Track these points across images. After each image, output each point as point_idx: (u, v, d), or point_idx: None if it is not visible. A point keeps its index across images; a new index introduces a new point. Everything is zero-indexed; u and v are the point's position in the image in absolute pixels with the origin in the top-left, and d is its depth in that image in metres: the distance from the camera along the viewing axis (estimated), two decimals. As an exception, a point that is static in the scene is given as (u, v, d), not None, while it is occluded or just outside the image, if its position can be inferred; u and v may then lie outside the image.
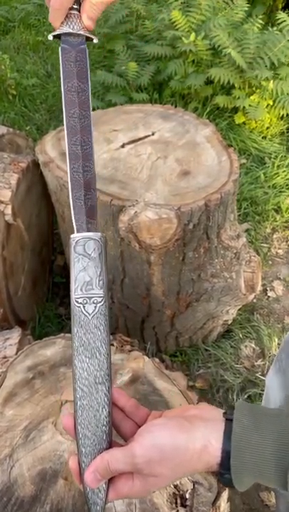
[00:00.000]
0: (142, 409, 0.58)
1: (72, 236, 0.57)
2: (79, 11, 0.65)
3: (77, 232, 0.58)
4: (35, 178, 1.40)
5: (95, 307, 0.55)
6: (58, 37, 0.67)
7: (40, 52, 3.12)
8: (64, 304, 1.74)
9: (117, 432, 0.57)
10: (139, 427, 0.55)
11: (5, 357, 1.03)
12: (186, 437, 0.49)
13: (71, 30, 0.65)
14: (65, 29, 0.65)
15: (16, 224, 1.30)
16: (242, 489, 0.50)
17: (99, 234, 0.58)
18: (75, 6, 0.64)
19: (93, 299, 0.55)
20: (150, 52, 2.41)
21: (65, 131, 0.63)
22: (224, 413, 0.51)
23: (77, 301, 0.55)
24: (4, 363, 0.99)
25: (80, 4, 0.64)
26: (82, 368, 0.54)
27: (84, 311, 0.55)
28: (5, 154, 1.38)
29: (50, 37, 0.67)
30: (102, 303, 0.55)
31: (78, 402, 0.54)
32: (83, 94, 0.65)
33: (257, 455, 0.47)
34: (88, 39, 0.67)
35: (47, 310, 1.67)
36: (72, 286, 0.56)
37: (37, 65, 2.96)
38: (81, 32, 0.65)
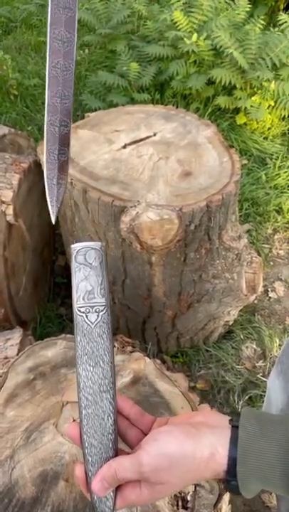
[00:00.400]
0: (146, 417, 0.58)
1: (72, 246, 0.58)
2: None
3: (47, 185, 0.62)
4: (36, 178, 1.40)
5: (98, 316, 0.56)
6: None
7: (42, 52, 3.12)
8: (65, 305, 1.74)
9: (123, 440, 0.57)
10: (145, 434, 0.55)
11: (6, 357, 1.03)
12: (193, 445, 0.49)
13: None
14: None
15: (17, 224, 1.29)
16: (249, 496, 0.50)
17: (100, 243, 0.58)
18: None
19: (95, 307, 0.56)
20: (152, 53, 2.41)
21: (47, 82, 0.63)
22: (230, 420, 0.51)
23: (79, 311, 0.56)
24: (5, 363, 0.99)
25: None
26: (87, 377, 0.54)
27: (87, 320, 0.56)
28: (6, 155, 1.38)
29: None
30: (105, 311, 0.56)
31: (83, 411, 0.54)
32: (69, 44, 0.64)
33: (263, 461, 0.47)
34: None
35: (48, 310, 1.67)
36: (75, 296, 0.56)
37: (39, 65, 2.96)
38: None
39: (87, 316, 0.56)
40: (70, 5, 0.64)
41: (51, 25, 0.64)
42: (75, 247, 0.58)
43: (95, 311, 0.56)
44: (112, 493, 0.52)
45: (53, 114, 0.63)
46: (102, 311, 0.56)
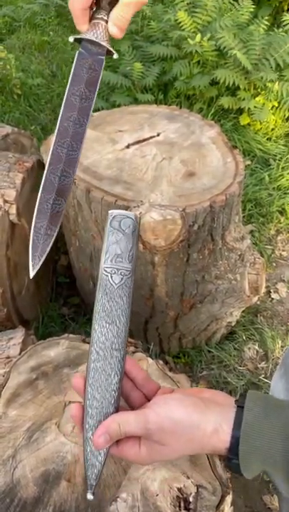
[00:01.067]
0: (152, 383, 0.60)
1: (110, 211, 0.61)
2: (106, 22, 0.64)
3: (33, 236, 0.62)
4: (40, 177, 1.40)
5: (122, 279, 0.58)
6: (78, 41, 0.65)
7: (45, 52, 3.12)
8: (67, 304, 1.74)
9: (126, 401, 0.59)
10: (148, 399, 0.58)
11: (8, 357, 1.03)
12: (200, 417, 0.51)
13: (94, 38, 0.64)
14: (88, 35, 0.64)
15: (20, 224, 1.29)
16: (249, 476, 0.52)
17: (136, 214, 0.61)
18: (104, 17, 0.63)
19: (121, 271, 0.59)
20: (155, 53, 2.41)
21: (56, 131, 0.63)
22: (236, 400, 0.53)
23: (105, 271, 0.59)
24: (8, 363, 0.99)
25: (108, 15, 0.63)
26: (101, 333, 0.57)
27: (111, 281, 0.58)
28: (10, 154, 1.38)
29: (71, 39, 0.65)
30: (129, 276, 0.59)
31: (92, 364, 0.56)
32: (86, 101, 0.64)
33: (266, 442, 0.49)
34: (109, 53, 0.65)
35: (50, 310, 1.67)
36: (103, 257, 0.59)
37: (42, 64, 2.96)
38: (104, 43, 0.64)
39: (111, 277, 0.58)
40: (96, 67, 0.64)
41: (72, 83, 0.64)
42: (112, 212, 0.61)
43: (120, 274, 0.58)
44: (105, 449, 0.54)
45: (56, 163, 0.62)
46: (126, 275, 0.59)
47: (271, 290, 1.84)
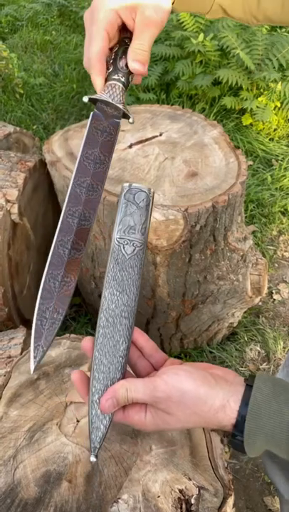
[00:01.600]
0: (160, 353, 0.61)
1: (124, 184, 0.61)
2: (123, 84, 0.62)
3: (36, 320, 0.57)
4: (41, 177, 1.40)
5: (134, 250, 0.59)
6: (93, 102, 0.63)
7: (47, 51, 3.12)
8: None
9: (132, 369, 0.60)
10: (155, 369, 0.59)
11: (9, 356, 1.03)
12: (208, 391, 0.51)
13: (110, 100, 0.62)
14: (104, 96, 0.62)
15: (22, 223, 1.29)
16: (252, 454, 0.52)
17: (150, 189, 0.61)
18: (121, 79, 0.61)
19: (133, 242, 0.59)
20: (158, 53, 2.40)
21: (66, 199, 0.59)
22: (245, 379, 0.54)
23: (118, 241, 0.59)
24: (9, 362, 0.99)
25: (124, 77, 0.62)
26: (112, 300, 0.58)
27: (123, 251, 0.59)
28: (12, 153, 1.38)
29: (86, 99, 0.62)
30: (141, 247, 0.60)
31: (101, 330, 0.57)
32: (101, 166, 0.62)
33: (273, 421, 0.49)
34: (125, 116, 0.63)
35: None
36: (116, 228, 0.60)
37: (44, 64, 2.96)
38: (120, 105, 0.62)
39: (124, 247, 0.59)
40: (111, 130, 0.62)
41: (85, 145, 0.61)
42: (126, 185, 0.61)
43: (132, 245, 0.59)
44: (110, 414, 0.55)
45: (66, 233, 0.58)
46: (138, 246, 0.59)
47: (273, 291, 1.83)
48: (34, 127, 2.42)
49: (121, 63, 0.62)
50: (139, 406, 0.55)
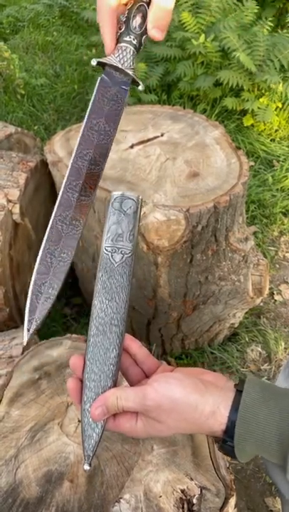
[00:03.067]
0: (152, 360, 0.60)
1: (112, 193, 0.61)
2: (135, 48, 0.58)
3: (31, 294, 0.58)
4: (43, 177, 1.40)
5: (122, 257, 0.59)
6: (102, 65, 0.60)
7: (49, 52, 3.12)
8: (69, 304, 1.74)
9: (124, 376, 0.60)
10: (147, 376, 0.59)
11: (11, 356, 1.03)
12: (199, 398, 0.51)
13: (120, 65, 0.59)
14: (114, 60, 0.59)
15: (23, 223, 1.29)
16: (242, 459, 0.53)
17: (137, 195, 0.61)
18: (132, 41, 0.58)
19: (121, 249, 0.60)
20: (159, 54, 2.40)
21: (67, 173, 0.59)
22: (235, 385, 0.54)
23: (106, 249, 0.60)
24: (10, 362, 0.99)
25: (136, 39, 0.58)
26: (101, 309, 0.58)
27: (111, 259, 0.59)
28: (13, 153, 1.38)
29: (94, 62, 0.59)
30: (129, 255, 0.60)
31: (91, 339, 0.57)
32: (105, 137, 0.60)
33: (262, 427, 0.50)
34: (134, 82, 0.61)
35: (52, 310, 1.66)
36: (104, 236, 0.60)
37: (46, 65, 2.96)
38: (130, 71, 0.59)
39: (112, 256, 0.59)
40: (119, 98, 0.59)
41: (90, 114, 0.59)
42: (114, 194, 0.61)
43: (121, 253, 0.59)
44: (102, 422, 0.55)
45: (66, 209, 0.58)
46: (127, 254, 0.59)
47: (274, 292, 1.83)
48: (35, 128, 2.42)
49: (134, 23, 0.58)
50: (130, 414, 0.55)
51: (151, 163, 1.26)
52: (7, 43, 3.02)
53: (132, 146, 1.31)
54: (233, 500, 0.70)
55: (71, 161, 0.59)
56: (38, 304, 0.57)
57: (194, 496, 0.69)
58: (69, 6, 3.42)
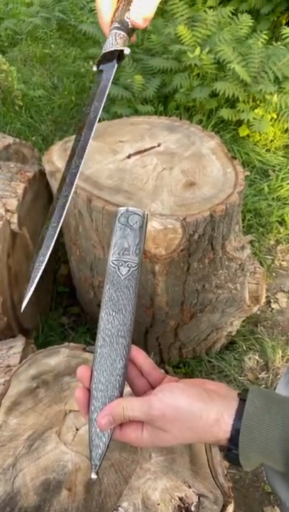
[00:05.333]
0: (157, 372, 0.61)
1: (119, 209, 0.64)
2: (126, 32, 0.65)
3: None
4: (41, 187, 1.41)
5: (129, 270, 0.61)
6: (98, 63, 0.67)
7: (46, 64, 3.16)
8: (67, 314, 1.74)
9: (130, 387, 0.61)
10: (152, 387, 0.60)
11: (8, 366, 1.03)
12: (203, 407, 0.52)
13: (108, 49, 0.65)
14: (104, 48, 0.65)
15: (21, 233, 1.30)
16: (247, 467, 0.53)
17: (143, 211, 0.64)
18: (123, 29, 0.65)
19: (128, 263, 0.61)
20: (156, 66, 2.44)
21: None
22: (239, 393, 0.55)
23: (113, 263, 0.61)
24: (8, 371, 0.99)
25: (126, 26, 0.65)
26: (108, 320, 0.60)
27: (118, 272, 0.61)
28: (12, 164, 1.39)
29: (94, 68, 0.67)
30: (136, 268, 0.61)
31: (98, 350, 0.59)
32: (94, 113, 0.66)
33: (265, 435, 0.50)
34: (120, 57, 0.66)
35: (50, 319, 1.67)
36: (111, 250, 0.62)
37: (43, 77, 3.00)
38: (115, 48, 0.65)
39: (118, 269, 0.61)
40: (106, 72, 0.66)
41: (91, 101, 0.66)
42: (121, 210, 0.64)
43: (127, 266, 0.61)
44: (109, 431, 0.56)
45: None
46: (133, 267, 0.61)
47: (271, 300, 1.84)
48: (33, 138, 2.44)
49: (127, 15, 0.65)
50: (135, 424, 0.55)
51: (148, 172, 1.27)
52: (5, 56, 3.06)
53: (129, 157, 1.33)
54: (231, 508, 0.70)
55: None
56: (32, 271, 0.61)
57: (192, 503, 0.69)
58: (66, 19, 3.47)
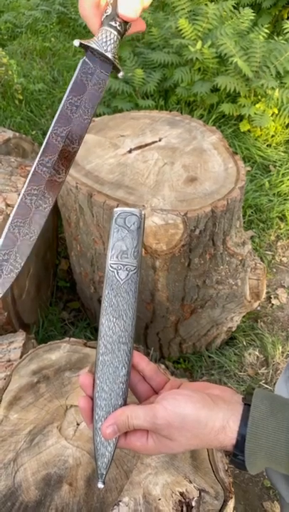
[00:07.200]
0: (160, 376, 0.61)
1: (115, 209, 0.62)
2: (119, 33, 0.58)
3: None
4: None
5: (128, 274, 0.59)
6: (84, 47, 0.59)
7: (46, 58, 3.14)
8: (67, 309, 1.74)
9: (133, 393, 0.60)
10: (155, 391, 0.59)
11: (9, 360, 1.03)
12: (208, 414, 0.51)
13: (102, 50, 0.58)
14: (96, 44, 0.58)
15: (21, 227, 1.29)
16: (253, 472, 0.53)
17: (140, 210, 0.61)
18: (117, 27, 0.57)
19: (127, 266, 0.60)
20: (157, 60, 2.42)
21: (41, 148, 0.58)
22: (243, 398, 0.54)
23: (111, 267, 0.60)
24: (9, 366, 0.99)
25: (121, 25, 0.58)
26: (108, 327, 0.58)
27: (117, 276, 0.59)
28: (12, 158, 1.39)
29: (77, 43, 0.58)
30: (135, 271, 0.60)
31: (100, 358, 0.57)
32: (84, 116, 0.59)
33: (272, 440, 0.50)
34: (115, 69, 0.60)
35: (50, 314, 1.67)
36: (109, 253, 0.60)
37: (43, 70, 2.98)
38: (110, 55, 0.58)
39: (117, 273, 0.59)
40: (98, 82, 0.59)
41: (70, 93, 0.58)
42: (117, 210, 0.61)
43: (126, 270, 0.60)
44: (114, 440, 0.55)
45: (37, 183, 0.57)
46: (132, 270, 0.60)
47: (271, 296, 1.84)
48: (33, 133, 2.43)
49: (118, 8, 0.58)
50: (140, 432, 0.55)
51: (150, 167, 1.26)
52: (5, 49, 3.04)
53: (130, 151, 1.32)
54: (231, 503, 0.70)
55: (47, 137, 0.58)
56: (2, 275, 0.57)
57: (193, 498, 0.69)
58: (67, 13, 3.45)
